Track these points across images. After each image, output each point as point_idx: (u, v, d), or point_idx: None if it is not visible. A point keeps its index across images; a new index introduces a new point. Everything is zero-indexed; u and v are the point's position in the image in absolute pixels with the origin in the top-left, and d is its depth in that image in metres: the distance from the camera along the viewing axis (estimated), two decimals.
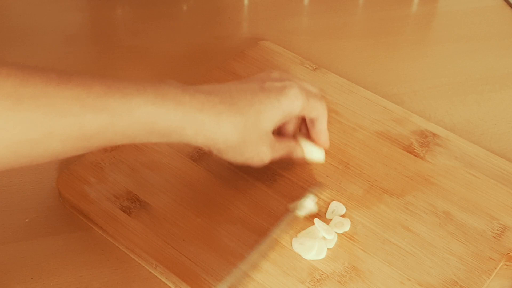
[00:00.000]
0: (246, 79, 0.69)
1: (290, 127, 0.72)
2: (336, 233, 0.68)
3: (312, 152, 0.72)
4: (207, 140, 0.63)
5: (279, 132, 0.71)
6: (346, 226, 0.68)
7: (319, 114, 0.70)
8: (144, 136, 0.60)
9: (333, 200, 0.71)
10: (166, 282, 0.65)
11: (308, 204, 0.69)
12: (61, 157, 0.57)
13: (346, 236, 0.68)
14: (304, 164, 0.74)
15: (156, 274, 0.66)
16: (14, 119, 0.51)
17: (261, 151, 0.66)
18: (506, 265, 0.67)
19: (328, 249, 0.67)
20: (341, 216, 0.69)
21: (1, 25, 0.95)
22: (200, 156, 0.74)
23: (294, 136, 0.72)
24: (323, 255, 0.66)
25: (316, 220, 0.68)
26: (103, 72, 0.89)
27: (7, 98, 0.51)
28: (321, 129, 0.71)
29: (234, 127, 0.63)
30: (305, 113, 0.69)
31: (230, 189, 0.71)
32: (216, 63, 0.87)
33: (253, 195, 0.71)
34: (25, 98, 0.52)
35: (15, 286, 0.64)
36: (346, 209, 0.70)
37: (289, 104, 0.66)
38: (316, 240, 0.66)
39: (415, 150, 0.77)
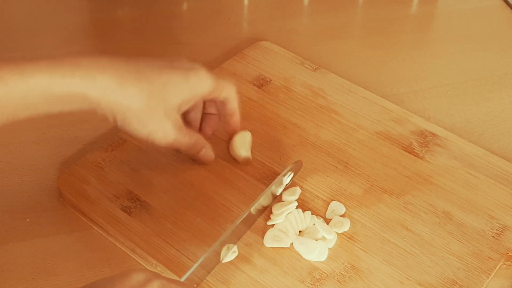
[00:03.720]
0: (156, 58, 0.67)
1: (196, 115, 0.72)
2: (336, 232, 0.68)
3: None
4: (111, 105, 0.61)
5: (185, 121, 0.70)
6: (345, 225, 0.68)
7: (229, 94, 0.70)
8: (45, 105, 0.59)
9: (333, 200, 0.71)
10: None
11: (286, 180, 0.70)
12: None
13: (345, 236, 0.68)
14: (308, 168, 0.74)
15: None
16: None
17: (165, 127, 0.65)
18: (506, 264, 0.68)
19: (328, 248, 0.67)
20: (341, 216, 0.70)
21: (2, 25, 0.95)
22: None
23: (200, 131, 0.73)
24: (324, 256, 0.66)
25: (316, 220, 0.68)
26: None
27: None
28: (233, 109, 0.71)
29: (138, 92, 0.62)
30: (215, 95, 0.68)
31: (230, 189, 0.71)
32: (216, 63, 0.88)
33: (253, 195, 0.71)
34: None
35: (16, 285, 0.64)
36: (346, 208, 0.70)
37: (198, 83, 0.66)
38: (318, 241, 0.67)
39: (415, 150, 0.77)
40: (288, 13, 1.01)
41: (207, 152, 0.72)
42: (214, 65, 0.87)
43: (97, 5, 1.01)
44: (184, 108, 0.67)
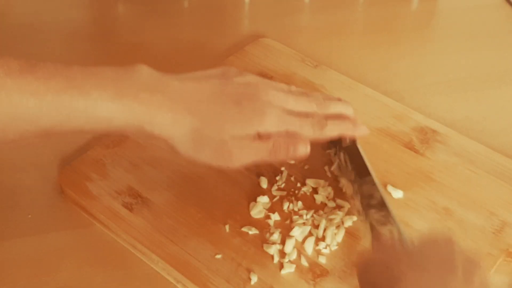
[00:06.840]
0: (216, 76, 0.64)
1: None
2: (339, 228, 0.68)
3: None
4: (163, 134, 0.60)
5: None
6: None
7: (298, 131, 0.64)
8: (101, 131, 0.59)
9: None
10: (168, 278, 0.66)
11: None
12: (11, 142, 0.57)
13: (347, 232, 0.68)
14: (303, 162, 0.74)
15: (157, 270, 0.66)
16: None
17: (225, 152, 0.61)
18: (506, 260, 0.68)
19: (329, 245, 0.67)
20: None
21: (3, 22, 0.95)
22: None
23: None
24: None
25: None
26: None
27: None
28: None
29: (191, 130, 0.60)
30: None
31: (231, 185, 0.72)
32: (217, 60, 0.88)
33: (255, 191, 0.71)
34: None
35: (18, 282, 0.64)
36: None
37: (265, 129, 0.61)
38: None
39: (415, 147, 0.77)
40: (289, 10, 1.01)
41: (300, 149, 0.63)
42: (215, 62, 0.87)
43: (98, 1, 1.01)
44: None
